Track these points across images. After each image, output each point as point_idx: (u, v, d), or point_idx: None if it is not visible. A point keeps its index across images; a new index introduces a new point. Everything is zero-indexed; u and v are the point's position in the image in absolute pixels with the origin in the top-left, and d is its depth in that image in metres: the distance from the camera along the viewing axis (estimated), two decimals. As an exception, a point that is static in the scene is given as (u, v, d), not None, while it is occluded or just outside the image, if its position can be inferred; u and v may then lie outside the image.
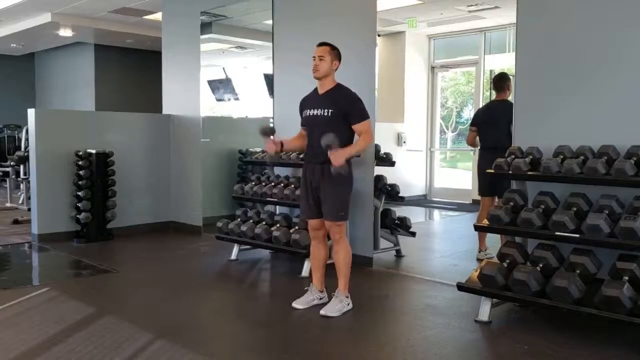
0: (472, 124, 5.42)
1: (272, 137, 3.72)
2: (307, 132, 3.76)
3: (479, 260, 5.17)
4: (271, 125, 3.78)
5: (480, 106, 7.36)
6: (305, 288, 3.88)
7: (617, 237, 3.07)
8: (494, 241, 5.06)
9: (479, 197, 5.40)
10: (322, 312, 3.51)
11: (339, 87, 3.67)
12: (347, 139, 3.61)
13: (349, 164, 3.61)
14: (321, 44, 3.68)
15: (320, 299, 3.83)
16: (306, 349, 3.14)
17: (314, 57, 3.64)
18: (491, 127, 5.08)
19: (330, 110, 3.57)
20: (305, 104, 3.79)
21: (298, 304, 3.77)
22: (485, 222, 3.67)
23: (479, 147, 5.34)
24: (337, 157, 3.40)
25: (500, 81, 5.18)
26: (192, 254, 5.66)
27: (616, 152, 3.38)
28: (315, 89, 3.75)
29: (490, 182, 4.94)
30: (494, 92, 5.30)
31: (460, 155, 9.67)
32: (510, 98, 4.92)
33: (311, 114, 3.67)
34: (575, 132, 3.68)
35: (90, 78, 12.00)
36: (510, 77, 4.98)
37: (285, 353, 3.07)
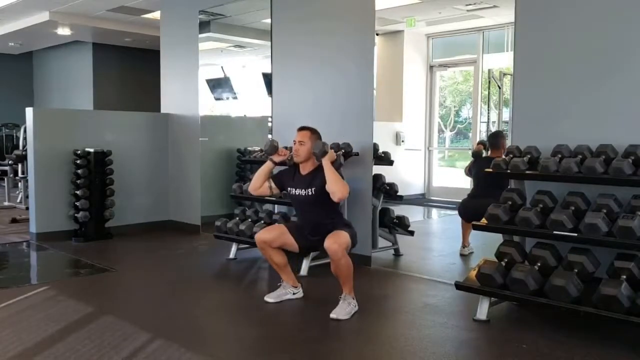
0: (471, 162, 5.55)
1: (277, 151, 3.93)
2: (294, 207, 4.10)
3: (462, 255, 5.34)
4: (274, 144, 3.99)
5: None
6: (279, 284, 3.96)
7: (615, 236, 3.07)
8: (479, 238, 5.15)
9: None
10: (332, 315, 3.53)
11: (320, 167, 3.74)
12: (333, 210, 3.83)
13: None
14: (301, 129, 3.85)
15: (294, 293, 3.94)
16: (305, 348, 3.14)
17: (294, 141, 3.81)
18: (484, 181, 4.99)
19: (313, 189, 3.76)
20: (288, 179, 3.92)
21: (270, 298, 3.88)
22: (484, 220, 3.67)
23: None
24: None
25: (495, 138, 5.30)
26: (190, 253, 5.66)
27: (614, 151, 3.38)
28: (298, 168, 3.89)
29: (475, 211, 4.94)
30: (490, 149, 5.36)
31: (459, 155, 9.66)
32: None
33: (296, 194, 3.85)
34: (574, 131, 3.69)
35: (88, 77, 11.97)
36: (509, 74, 4.98)
37: (284, 352, 3.07)
